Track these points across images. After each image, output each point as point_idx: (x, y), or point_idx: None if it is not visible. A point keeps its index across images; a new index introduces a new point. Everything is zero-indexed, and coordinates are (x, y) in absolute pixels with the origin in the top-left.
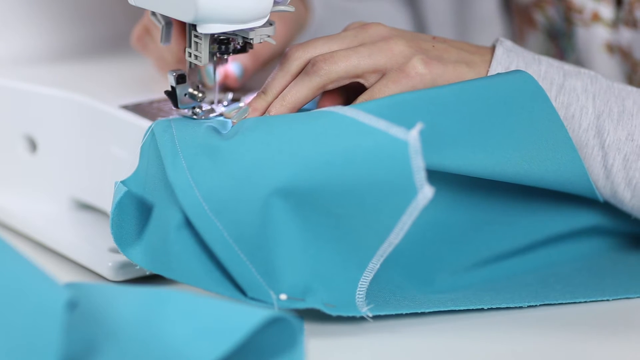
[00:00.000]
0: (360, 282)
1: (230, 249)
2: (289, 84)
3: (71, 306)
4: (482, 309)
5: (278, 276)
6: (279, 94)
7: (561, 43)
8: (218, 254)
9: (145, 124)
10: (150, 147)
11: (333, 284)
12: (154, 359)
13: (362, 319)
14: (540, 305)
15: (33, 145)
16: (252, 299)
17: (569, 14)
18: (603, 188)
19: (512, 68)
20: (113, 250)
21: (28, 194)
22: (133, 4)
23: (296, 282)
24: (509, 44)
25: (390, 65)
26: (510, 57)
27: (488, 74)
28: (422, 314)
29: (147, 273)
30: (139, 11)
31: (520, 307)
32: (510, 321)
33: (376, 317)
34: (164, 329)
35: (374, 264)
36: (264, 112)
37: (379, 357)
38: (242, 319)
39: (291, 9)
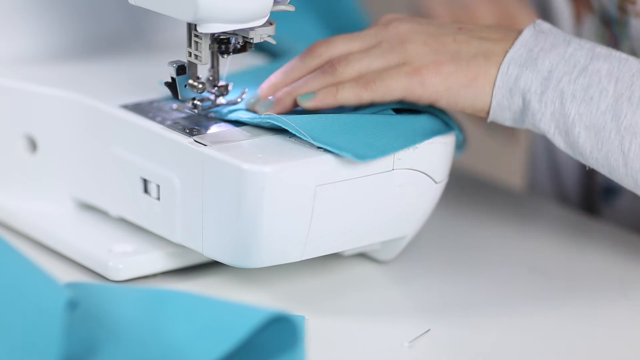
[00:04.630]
0: None
1: None
2: (304, 76)
3: (72, 306)
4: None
5: None
6: (291, 83)
7: (615, 30)
8: None
9: (145, 123)
10: None
11: None
12: (154, 358)
13: (363, 321)
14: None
15: (33, 145)
16: None
17: (622, 3)
18: (625, 177)
19: (536, 50)
20: (113, 250)
21: (28, 194)
22: (133, 3)
23: None
24: (545, 26)
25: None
26: (537, 39)
27: (505, 57)
28: (422, 314)
29: (149, 273)
30: (139, 10)
31: (521, 307)
32: (511, 321)
33: (376, 318)
34: (165, 328)
35: None
36: (272, 93)
37: (380, 357)
38: (243, 318)
39: (291, 8)
